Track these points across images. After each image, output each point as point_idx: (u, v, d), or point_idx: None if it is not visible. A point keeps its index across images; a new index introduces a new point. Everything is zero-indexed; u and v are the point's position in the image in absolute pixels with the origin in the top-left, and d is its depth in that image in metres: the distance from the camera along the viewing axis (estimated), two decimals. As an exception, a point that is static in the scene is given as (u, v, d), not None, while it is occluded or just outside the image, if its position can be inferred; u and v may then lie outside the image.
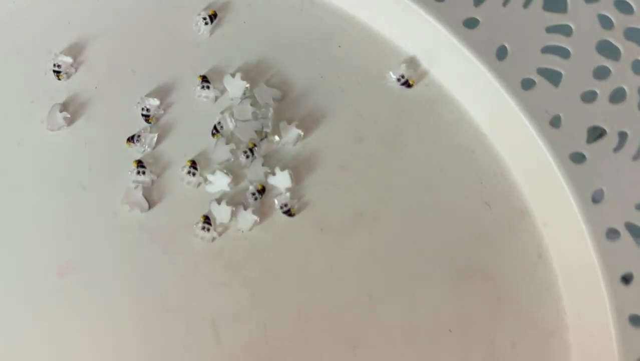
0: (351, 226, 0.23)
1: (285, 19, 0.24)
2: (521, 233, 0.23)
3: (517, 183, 0.23)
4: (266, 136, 0.23)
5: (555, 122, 0.22)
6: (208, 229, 0.22)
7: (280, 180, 0.23)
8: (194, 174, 0.23)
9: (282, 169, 0.22)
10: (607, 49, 0.22)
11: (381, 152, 0.23)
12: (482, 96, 0.23)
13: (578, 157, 0.22)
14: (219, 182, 0.23)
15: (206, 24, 0.24)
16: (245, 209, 0.22)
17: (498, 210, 0.23)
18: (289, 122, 0.23)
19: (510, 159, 0.23)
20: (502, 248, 0.23)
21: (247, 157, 0.23)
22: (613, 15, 0.22)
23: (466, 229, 0.23)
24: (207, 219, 0.22)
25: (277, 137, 0.23)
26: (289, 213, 0.23)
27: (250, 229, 0.22)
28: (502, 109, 0.22)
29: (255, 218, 0.22)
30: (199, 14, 0.24)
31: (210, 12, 0.24)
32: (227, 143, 0.23)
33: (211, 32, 0.24)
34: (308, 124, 0.23)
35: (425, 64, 0.24)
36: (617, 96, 0.22)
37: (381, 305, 0.22)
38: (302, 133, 0.23)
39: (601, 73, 0.22)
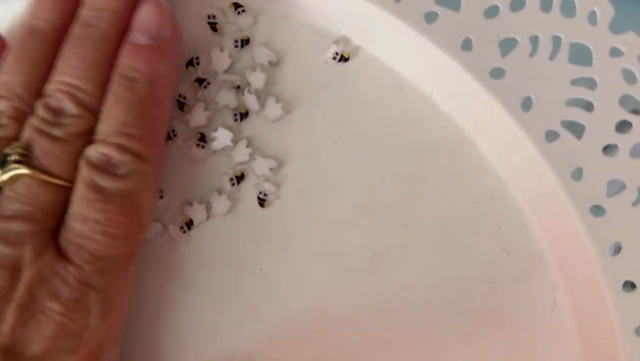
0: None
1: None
2: (537, 280, 0.23)
3: (535, 231, 0.23)
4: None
5: (577, 174, 0.22)
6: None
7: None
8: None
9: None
10: (630, 103, 0.22)
11: (401, 193, 0.23)
12: (505, 144, 0.23)
13: (598, 210, 0.22)
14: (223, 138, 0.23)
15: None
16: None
17: (515, 256, 0.23)
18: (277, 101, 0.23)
19: (529, 207, 0.23)
20: (517, 294, 0.23)
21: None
22: (637, 69, 0.22)
23: (483, 274, 0.23)
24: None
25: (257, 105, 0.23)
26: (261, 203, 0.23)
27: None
28: (525, 158, 0.22)
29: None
30: None
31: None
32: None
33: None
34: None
35: (446, 108, 0.24)
36: (638, 150, 0.22)
37: (399, 349, 0.23)
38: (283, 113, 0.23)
39: (623, 127, 0.22)
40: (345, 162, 0.24)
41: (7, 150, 0.20)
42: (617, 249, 0.22)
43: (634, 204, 0.22)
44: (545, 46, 0.22)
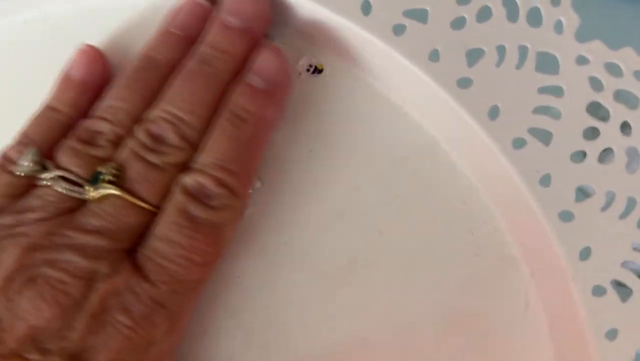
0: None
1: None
2: (509, 284, 0.24)
3: (506, 236, 0.24)
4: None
5: (545, 180, 0.22)
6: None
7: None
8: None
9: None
10: (597, 110, 0.23)
11: (375, 200, 0.24)
12: (474, 151, 0.23)
13: (567, 216, 0.22)
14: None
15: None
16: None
17: (487, 261, 0.24)
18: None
19: (500, 212, 0.24)
20: (490, 297, 0.24)
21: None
22: (603, 77, 0.23)
23: (455, 278, 0.24)
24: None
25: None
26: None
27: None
28: (494, 165, 0.23)
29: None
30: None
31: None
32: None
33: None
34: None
35: (417, 117, 0.24)
36: (606, 157, 0.23)
37: (374, 351, 0.23)
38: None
39: (590, 134, 0.23)
40: (320, 170, 0.24)
41: (101, 169, 0.21)
42: (587, 254, 0.22)
43: (603, 209, 0.22)
44: (511, 56, 0.23)
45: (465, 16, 0.23)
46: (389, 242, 0.24)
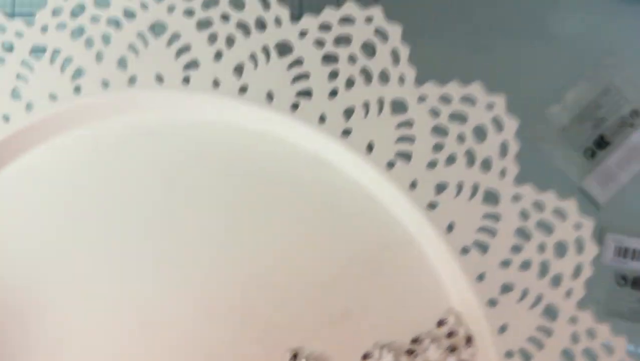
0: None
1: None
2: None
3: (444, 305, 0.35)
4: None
5: (480, 278, 0.33)
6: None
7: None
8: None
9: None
10: (523, 233, 0.33)
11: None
12: (433, 254, 0.34)
13: (493, 302, 0.33)
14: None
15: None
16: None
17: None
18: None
19: (449, 287, 0.34)
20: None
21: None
22: (530, 211, 0.32)
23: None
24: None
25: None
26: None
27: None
28: (445, 266, 0.33)
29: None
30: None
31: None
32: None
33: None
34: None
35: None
36: (525, 265, 0.33)
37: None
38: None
39: (516, 249, 0.33)
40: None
41: None
42: (504, 329, 0.33)
43: (518, 301, 0.32)
44: (467, 190, 0.33)
45: (438, 158, 0.33)
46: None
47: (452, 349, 0.34)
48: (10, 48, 0.36)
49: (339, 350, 0.34)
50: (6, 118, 0.35)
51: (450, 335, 0.34)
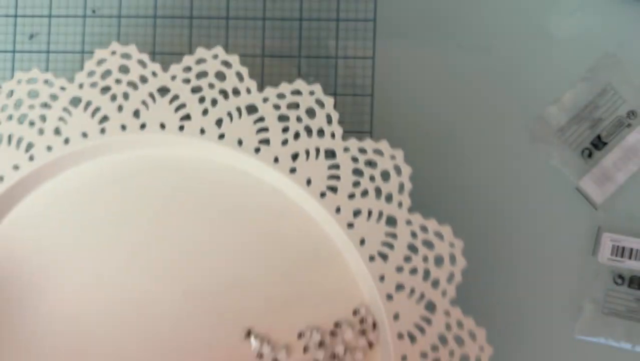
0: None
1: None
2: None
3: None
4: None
5: (382, 279, 0.45)
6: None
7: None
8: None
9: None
10: (412, 248, 0.45)
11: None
12: (352, 262, 0.47)
13: (390, 298, 0.45)
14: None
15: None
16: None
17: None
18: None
19: (361, 285, 0.47)
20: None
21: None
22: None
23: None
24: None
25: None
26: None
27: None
28: (359, 274, 0.46)
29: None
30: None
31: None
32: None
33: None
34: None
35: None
36: (413, 271, 0.45)
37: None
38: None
39: (408, 259, 0.45)
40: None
41: None
42: (397, 317, 0.45)
43: (408, 297, 0.45)
44: (375, 215, 0.46)
45: (356, 192, 0.46)
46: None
47: (363, 332, 0.46)
48: (55, 98, 0.49)
49: (281, 330, 0.47)
50: (49, 148, 0.48)
51: (361, 321, 0.47)
